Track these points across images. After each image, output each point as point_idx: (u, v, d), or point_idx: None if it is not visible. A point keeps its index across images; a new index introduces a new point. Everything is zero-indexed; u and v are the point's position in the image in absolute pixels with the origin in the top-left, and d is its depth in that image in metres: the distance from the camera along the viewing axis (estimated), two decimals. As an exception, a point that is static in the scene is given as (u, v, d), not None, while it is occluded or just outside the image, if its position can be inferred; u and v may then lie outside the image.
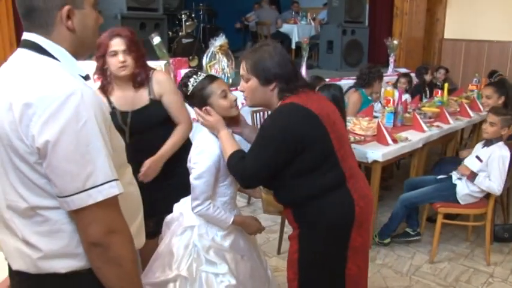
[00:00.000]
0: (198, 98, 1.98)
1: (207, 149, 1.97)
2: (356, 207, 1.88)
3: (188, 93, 2.00)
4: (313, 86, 2.00)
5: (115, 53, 2.31)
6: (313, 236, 1.93)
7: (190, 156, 2.02)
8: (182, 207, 2.13)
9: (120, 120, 2.39)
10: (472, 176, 3.30)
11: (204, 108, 1.98)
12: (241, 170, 1.88)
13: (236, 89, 2.09)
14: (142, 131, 2.43)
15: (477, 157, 3.37)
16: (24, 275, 1.26)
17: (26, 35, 1.22)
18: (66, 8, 1.18)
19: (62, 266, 1.21)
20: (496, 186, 3.23)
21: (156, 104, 2.43)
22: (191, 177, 1.97)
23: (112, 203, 1.17)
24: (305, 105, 1.83)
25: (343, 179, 1.88)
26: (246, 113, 4.46)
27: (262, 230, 2.18)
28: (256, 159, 1.85)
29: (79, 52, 1.26)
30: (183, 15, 6.84)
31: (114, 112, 2.39)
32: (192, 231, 2.03)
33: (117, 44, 2.31)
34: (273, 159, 1.84)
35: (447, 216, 3.46)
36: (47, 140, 1.09)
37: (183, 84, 2.01)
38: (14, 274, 1.31)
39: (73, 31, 1.21)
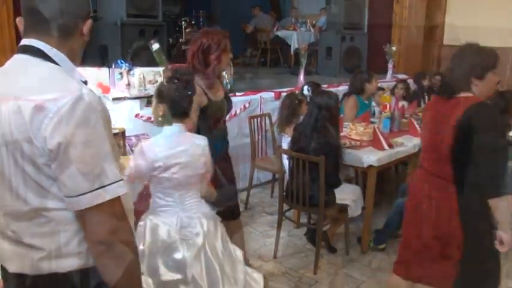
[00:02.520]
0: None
1: None
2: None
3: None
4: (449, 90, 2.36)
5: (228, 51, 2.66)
6: None
7: None
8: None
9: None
10: None
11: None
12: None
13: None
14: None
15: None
16: (23, 277, 1.28)
17: (28, 41, 1.24)
18: (90, 20, 1.28)
19: (63, 265, 1.24)
20: None
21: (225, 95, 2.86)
22: None
23: (117, 202, 1.21)
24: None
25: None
26: (243, 119, 4.50)
27: None
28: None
29: (74, 60, 1.31)
30: (183, 22, 6.92)
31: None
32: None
33: (229, 44, 2.65)
34: None
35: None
36: (59, 142, 1.12)
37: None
38: (11, 277, 1.33)
39: (85, 40, 1.30)
